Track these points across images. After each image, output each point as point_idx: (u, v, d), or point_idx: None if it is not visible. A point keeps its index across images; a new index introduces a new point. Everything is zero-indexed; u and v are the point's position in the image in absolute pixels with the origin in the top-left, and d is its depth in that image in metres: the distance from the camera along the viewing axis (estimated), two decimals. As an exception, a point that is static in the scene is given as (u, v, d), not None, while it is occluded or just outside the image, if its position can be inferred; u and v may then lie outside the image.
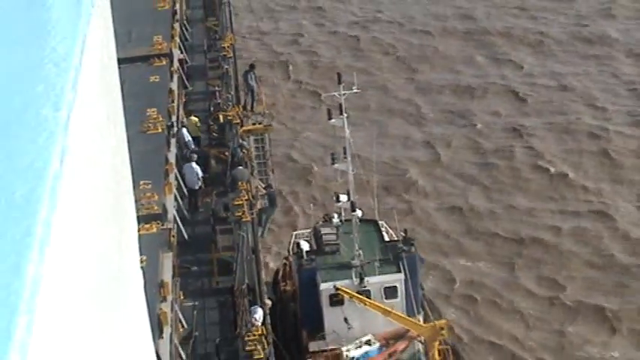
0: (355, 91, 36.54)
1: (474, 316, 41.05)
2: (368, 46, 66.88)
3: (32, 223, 3.75)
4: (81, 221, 4.63)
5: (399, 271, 34.51)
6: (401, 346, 33.84)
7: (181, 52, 39.88)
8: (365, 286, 34.24)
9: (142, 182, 26.71)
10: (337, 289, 33.98)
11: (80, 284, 4.51)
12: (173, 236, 26.63)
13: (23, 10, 5.29)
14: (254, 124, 40.49)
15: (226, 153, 36.31)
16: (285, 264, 39.95)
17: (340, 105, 35.59)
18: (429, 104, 58.78)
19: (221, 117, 37.98)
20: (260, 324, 27.55)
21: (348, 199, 35.35)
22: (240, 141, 36.88)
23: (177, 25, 39.62)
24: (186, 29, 44.61)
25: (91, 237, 5.07)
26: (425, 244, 44.78)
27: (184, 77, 39.70)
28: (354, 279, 34.32)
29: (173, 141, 31.69)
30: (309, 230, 39.13)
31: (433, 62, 64.36)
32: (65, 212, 4.03)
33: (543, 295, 41.94)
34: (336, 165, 35.94)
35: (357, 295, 33.76)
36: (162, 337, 22.10)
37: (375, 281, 34.43)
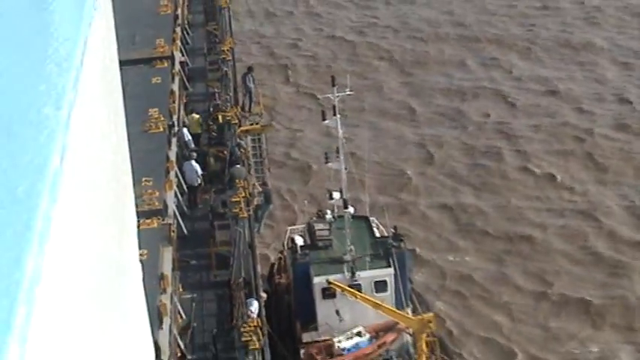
0: (349, 93, 36.71)
1: (463, 309, 41.12)
2: (364, 51, 66.97)
3: (33, 217, 3.76)
4: (81, 216, 4.63)
5: (389, 266, 34.65)
6: (390, 337, 33.94)
7: (182, 55, 39.86)
8: (356, 280, 34.35)
9: (143, 179, 26.71)
10: (330, 282, 34.08)
11: (80, 276, 4.51)
12: (173, 231, 26.62)
13: (27, 12, 5.30)
14: (251, 124, 40.50)
15: (225, 152, 36.30)
16: (280, 258, 40.06)
17: (334, 106, 35.72)
18: (422, 106, 58.86)
19: (220, 117, 37.98)
20: (255, 316, 27.57)
21: (341, 196, 35.48)
22: (238, 140, 36.89)
23: (178, 29, 39.61)
24: (188, 33, 44.58)
25: (91, 231, 5.07)
26: (417, 241, 44.92)
27: (185, 79, 39.68)
28: (346, 273, 34.45)
29: (174, 140, 31.69)
30: (303, 226, 39.24)
31: (426, 66, 64.43)
32: (65, 207, 4.04)
33: (530, 289, 42.02)
34: (329, 164, 36.11)
35: (348, 288, 33.86)
36: (162, 328, 22.12)
37: (366, 275, 34.55)
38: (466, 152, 53.57)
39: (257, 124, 40.97)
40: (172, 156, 30.50)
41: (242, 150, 36.24)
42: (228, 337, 27.54)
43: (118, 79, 7.08)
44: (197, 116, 38.10)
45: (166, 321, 22.65)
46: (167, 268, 24.19)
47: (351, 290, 33.82)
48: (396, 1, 75.60)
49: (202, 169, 34.52)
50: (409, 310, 35.01)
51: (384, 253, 35.15)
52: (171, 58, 35.52)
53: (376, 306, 33.43)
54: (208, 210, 33.44)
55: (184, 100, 38.58)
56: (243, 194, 31.64)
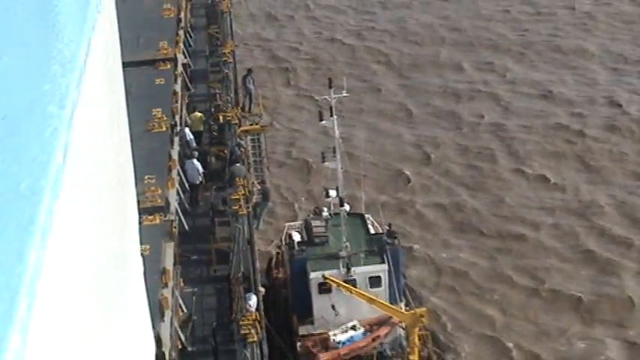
0: (345, 94, 36.87)
1: (458, 305, 41.15)
2: (362, 54, 66.99)
3: (35, 212, 3.77)
4: (83, 211, 4.65)
5: (383, 262, 34.74)
6: (384, 331, 34.02)
7: (185, 57, 39.86)
8: (351, 276, 34.42)
9: (146, 177, 26.71)
10: (325, 278, 34.15)
11: (81, 270, 4.53)
12: (175, 227, 26.62)
13: (32, 14, 5.31)
14: (251, 124, 40.55)
15: (225, 151, 36.33)
16: (277, 253, 40.17)
17: (331, 108, 35.86)
18: (419, 108, 58.93)
19: (221, 117, 38.02)
20: (254, 309, 27.59)
21: (337, 194, 35.56)
22: (238, 140, 36.90)
23: (181, 32, 39.62)
24: (190, 36, 44.57)
25: (93, 226, 5.09)
26: (413, 239, 45.01)
27: (187, 80, 39.69)
28: (342, 269, 34.52)
29: (176, 139, 31.72)
30: (300, 222, 39.31)
31: (423, 69, 64.46)
32: (67, 202, 4.06)
33: (522, 286, 42.06)
34: (325, 163, 36.22)
35: (343, 283, 33.92)
36: (164, 321, 22.14)
37: (361, 271, 34.62)
38: (461, 152, 53.63)
39: (256, 124, 41.03)
40: (175, 155, 30.51)
41: (242, 149, 36.26)
42: (228, 330, 27.57)
43: (121, 79, 7.08)
44: (200, 114, 38.14)
45: (168, 314, 22.69)
46: (169, 263, 24.21)
47: (347, 285, 33.88)
48: (394, 6, 75.66)
49: (203, 167, 34.54)
50: (402, 305, 35.07)
51: (378, 249, 35.21)
52: (174, 60, 35.54)
53: (370, 301, 33.50)
54: (209, 207, 33.48)
55: (186, 101, 38.58)
56: (243, 192, 31.65)
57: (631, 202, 47.90)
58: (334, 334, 33.50)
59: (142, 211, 23.69)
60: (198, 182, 34.09)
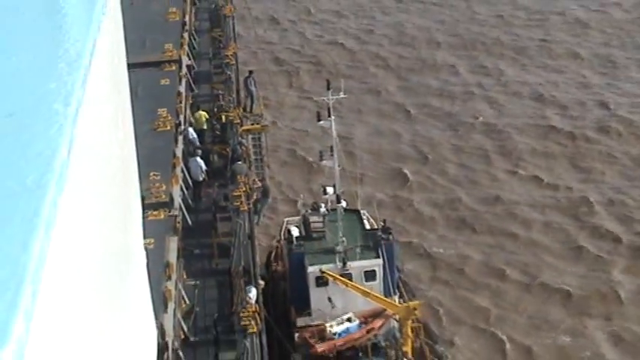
0: (343, 96, 36.96)
1: (453, 299, 41.16)
2: (362, 57, 67.02)
3: (40, 205, 3.79)
4: (87, 204, 4.66)
5: (378, 257, 34.78)
6: (378, 323, 34.05)
7: (189, 59, 39.86)
8: (347, 270, 34.45)
9: (151, 173, 26.75)
10: (322, 271, 34.18)
11: (84, 261, 4.54)
12: (178, 222, 26.63)
13: (41, 15, 5.33)
14: (252, 124, 40.53)
15: (227, 149, 36.33)
16: (276, 247, 40.22)
17: (328, 108, 35.99)
18: (417, 108, 58.94)
19: (223, 117, 38.04)
20: (254, 302, 27.58)
21: (334, 191, 35.62)
22: (240, 139, 36.89)
23: (186, 35, 39.65)
24: (194, 38, 44.56)
25: (97, 219, 5.09)
26: (410, 235, 45.04)
27: (191, 81, 39.69)
28: (338, 263, 34.55)
29: (180, 138, 31.75)
30: (298, 217, 39.34)
31: (420, 71, 64.47)
32: (71, 196, 4.07)
33: (515, 281, 42.07)
34: (323, 162, 36.32)
35: (340, 277, 33.94)
36: (167, 312, 22.18)
37: (357, 265, 34.66)
38: (457, 152, 53.66)
39: (257, 124, 41.01)
40: (179, 153, 30.54)
41: (243, 148, 36.24)
42: (228, 321, 27.56)
43: (125, 78, 7.08)
44: (204, 113, 38.16)
45: (171, 305, 22.71)
46: (172, 256, 24.23)
47: (343, 279, 33.90)
48: (392, 11, 75.71)
49: (206, 165, 34.51)
50: (396, 298, 35.14)
51: (373, 244, 35.26)
52: (179, 61, 35.58)
53: (365, 294, 33.53)
54: (211, 203, 33.47)
55: (190, 101, 38.58)
56: (244, 189, 31.66)
57: (620, 201, 47.91)
58: (331, 326, 33.54)
59: (147, 207, 23.72)
60: (201, 179, 34.07)
